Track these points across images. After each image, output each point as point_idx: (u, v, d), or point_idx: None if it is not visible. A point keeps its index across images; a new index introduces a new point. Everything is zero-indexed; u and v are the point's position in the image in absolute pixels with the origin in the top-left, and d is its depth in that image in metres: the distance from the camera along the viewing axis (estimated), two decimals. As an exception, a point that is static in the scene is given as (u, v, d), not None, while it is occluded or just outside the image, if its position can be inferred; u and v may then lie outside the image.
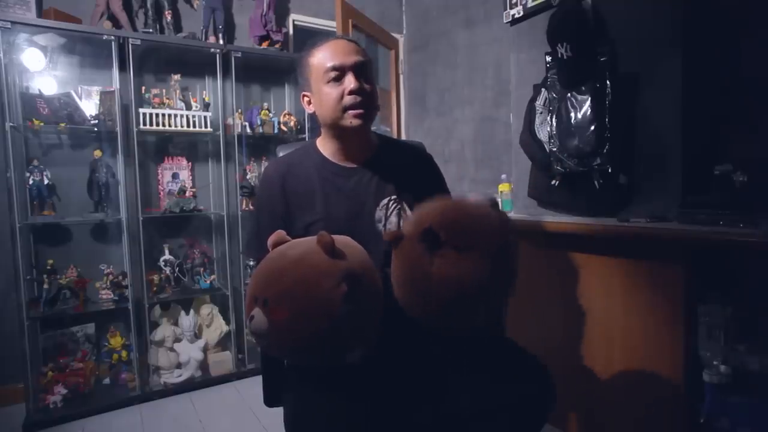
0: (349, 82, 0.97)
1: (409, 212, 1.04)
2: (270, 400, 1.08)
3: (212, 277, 2.31)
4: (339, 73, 0.98)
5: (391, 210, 1.03)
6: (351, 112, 0.98)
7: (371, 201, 1.03)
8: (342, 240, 0.83)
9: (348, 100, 0.97)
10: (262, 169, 2.52)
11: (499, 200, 1.90)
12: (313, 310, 0.73)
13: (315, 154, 1.08)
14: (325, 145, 1.08)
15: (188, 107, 2.25)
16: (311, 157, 1.08)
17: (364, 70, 1.00)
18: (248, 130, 2.39)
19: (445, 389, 0.91)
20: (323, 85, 0.99)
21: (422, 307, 0.83)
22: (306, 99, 1.06)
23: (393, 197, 1.04)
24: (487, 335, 1.09)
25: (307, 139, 2.47)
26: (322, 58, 1.00)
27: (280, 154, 1.23)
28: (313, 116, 1.09)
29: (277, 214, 1.03)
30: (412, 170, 1.10)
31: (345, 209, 1.02)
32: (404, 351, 0.96)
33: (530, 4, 1.98)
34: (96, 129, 2.06)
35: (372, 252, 0.90)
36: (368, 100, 1.00)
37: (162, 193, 2.29)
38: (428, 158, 1.20)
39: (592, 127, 1.62)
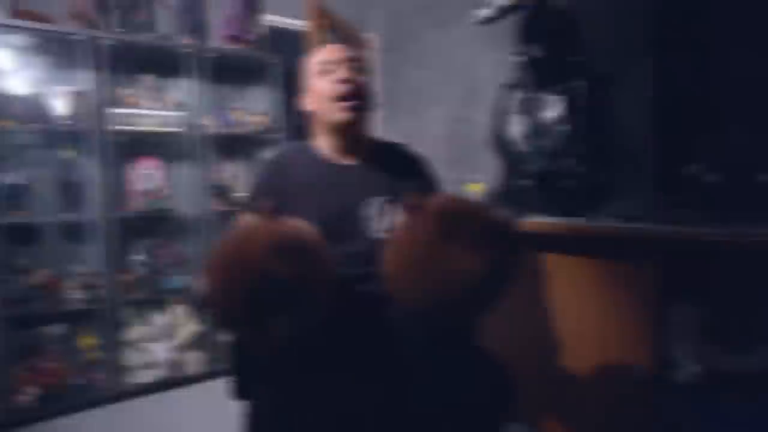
0: (339, 72, 1.01)
1: (400, 212, 1.04)
2: (238, 394, 1.08)
3: (185, 277, 2.31)
4: (330, 66, 1.03)
5: (381, 209, 1.04)
6: (339, 104, 1.00)
7: (360, 198, 1.04)
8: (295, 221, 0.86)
9: (338, 88, 1.00)
10: (235, 170, 2.52)
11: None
12: (239, 263, 0.76)
13: (311, 150, 1.11)
14: (321, 143, 1.11)
15: (161, 107, 2.25)
16: (307, 153, 1.11)
17: (354, 65, 1.04)
18: (222, 130, 2.38)
19: (407, 390, 0.91)
20: (316, 80, 1.04)
21: (425, 291, 0.82)
22: (304, 100, 1.11)
23: (385, 197, 1.05)
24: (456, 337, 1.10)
25: (281, 140, 2.47)
26: (316, 56, 1.07)
27: (266, 158, 1.26)
28: (308, 116, 1.12)
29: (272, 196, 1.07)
30: (405, 172, 1.11)
31: (334, 205, 1.03)
32: (369, 352, 0.96)
33: (501, 3, 1.98)
34: (68, 129, 2.05)
35: (358, 248, 0.92)
36: (359, 91, 1.02)
37: (134, 193, 2.29)
38: (423, 162, 1.20)
39: (565, 128, 1.62)
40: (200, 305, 0.80)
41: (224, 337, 2.36)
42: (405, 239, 0.85)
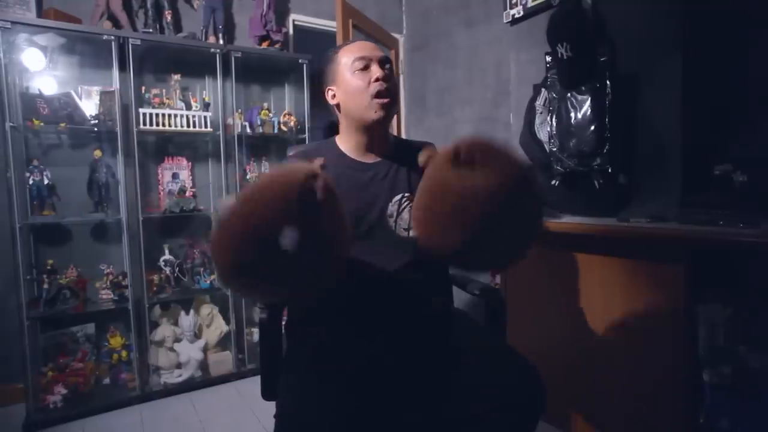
0: (376, 70, 1.03)
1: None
2: (268, 393, 1.08)
3: (212, 277, 2.30)
4: (366, 63, 1.04)
5: (403, 206, 1.05)
6: (377, 100, 1.02)
7: (384, 196, 1.05)
8: None
9: (374, 86, 1.02)
10: (262, 170, 2.52)
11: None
12: (271, 189, 0.73)
13: (334, 148, 1.12)
14: (344, 141, 1.12)
15: (188, 107, 2.25)
16: (330, 150, 1.11)
17: (388, 66, 1.06)
18: (248, 130, 2.38)
19: (437, 392, 0.91)
20: (350, 75, 1.04)
21: (440, 224, 0.83)
22: (330, 93, 1.10)
23: (406, 194, 1.06)
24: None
25: (307, 140, 2.47)
26: (350, 52, 1.06)
27: (290, 153, 1.25)
28: (333, 111, 1.13)
29: None
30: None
31: (357, 202, 1.03)
32: (399, 354, 0.96)
33: (530, 4, 1.99)
34: (96, 129, 2.05)
35: (382, 246, 0.91)
36: (392, 91, 1.05)
37: (162, 193, 2.29)
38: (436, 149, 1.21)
39: (592, 127, 1.62)
40: (218, 223, 0.73)
41: (253, 336, 2.36)
42: (424, 183, 0.87)
